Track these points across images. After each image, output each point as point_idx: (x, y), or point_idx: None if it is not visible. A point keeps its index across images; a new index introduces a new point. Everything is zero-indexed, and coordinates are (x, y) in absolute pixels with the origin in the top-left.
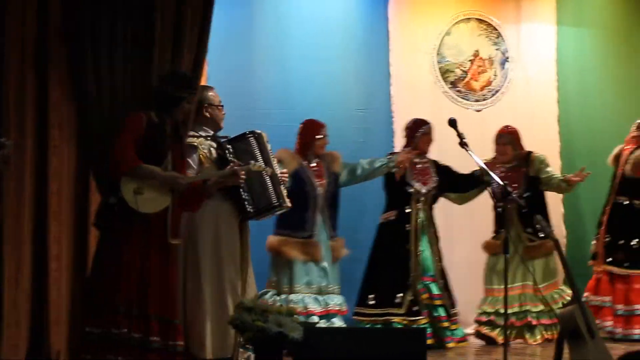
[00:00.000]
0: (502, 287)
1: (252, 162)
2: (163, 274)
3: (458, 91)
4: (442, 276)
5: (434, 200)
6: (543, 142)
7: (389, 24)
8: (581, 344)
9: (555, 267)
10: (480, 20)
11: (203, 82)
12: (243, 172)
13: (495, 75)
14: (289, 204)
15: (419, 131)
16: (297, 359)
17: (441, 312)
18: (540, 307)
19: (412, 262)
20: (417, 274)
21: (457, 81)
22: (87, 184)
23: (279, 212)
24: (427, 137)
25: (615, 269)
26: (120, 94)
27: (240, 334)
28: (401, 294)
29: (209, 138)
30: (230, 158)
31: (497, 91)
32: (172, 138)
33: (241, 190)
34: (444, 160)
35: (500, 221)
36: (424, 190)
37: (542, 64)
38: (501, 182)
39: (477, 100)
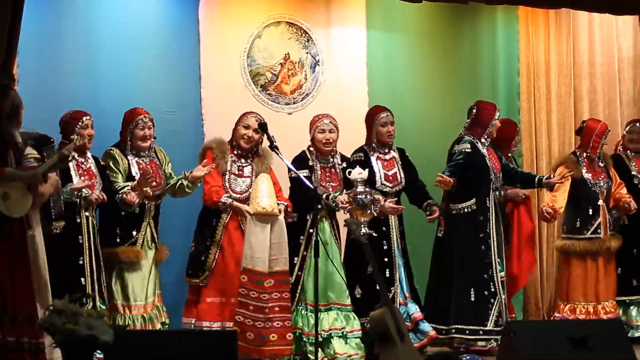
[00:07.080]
0: None
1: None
2: (26, 271)
3: (269, 94)
4: None
5: None
6: (355, 145)
7: (199, 26)
8: (391, 346)
9: None
10: (291, 24)
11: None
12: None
13: (305, 78)
14: None
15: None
16: None
17: None
18: None
19: None
20: None
21: (267, 84)
22: None
23: None
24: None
25: None
26: None
27: (51, 336)
28: None
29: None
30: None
31: (307, 94)
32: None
33: None
34: None
35: None
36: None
37: (353, 68)
38: (311, 185)
39: (287, 104)
